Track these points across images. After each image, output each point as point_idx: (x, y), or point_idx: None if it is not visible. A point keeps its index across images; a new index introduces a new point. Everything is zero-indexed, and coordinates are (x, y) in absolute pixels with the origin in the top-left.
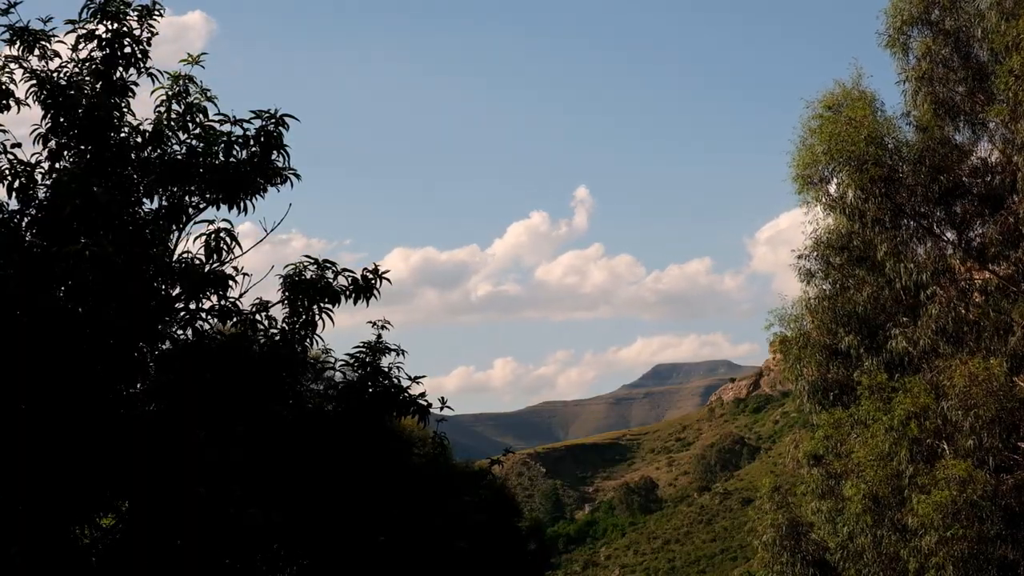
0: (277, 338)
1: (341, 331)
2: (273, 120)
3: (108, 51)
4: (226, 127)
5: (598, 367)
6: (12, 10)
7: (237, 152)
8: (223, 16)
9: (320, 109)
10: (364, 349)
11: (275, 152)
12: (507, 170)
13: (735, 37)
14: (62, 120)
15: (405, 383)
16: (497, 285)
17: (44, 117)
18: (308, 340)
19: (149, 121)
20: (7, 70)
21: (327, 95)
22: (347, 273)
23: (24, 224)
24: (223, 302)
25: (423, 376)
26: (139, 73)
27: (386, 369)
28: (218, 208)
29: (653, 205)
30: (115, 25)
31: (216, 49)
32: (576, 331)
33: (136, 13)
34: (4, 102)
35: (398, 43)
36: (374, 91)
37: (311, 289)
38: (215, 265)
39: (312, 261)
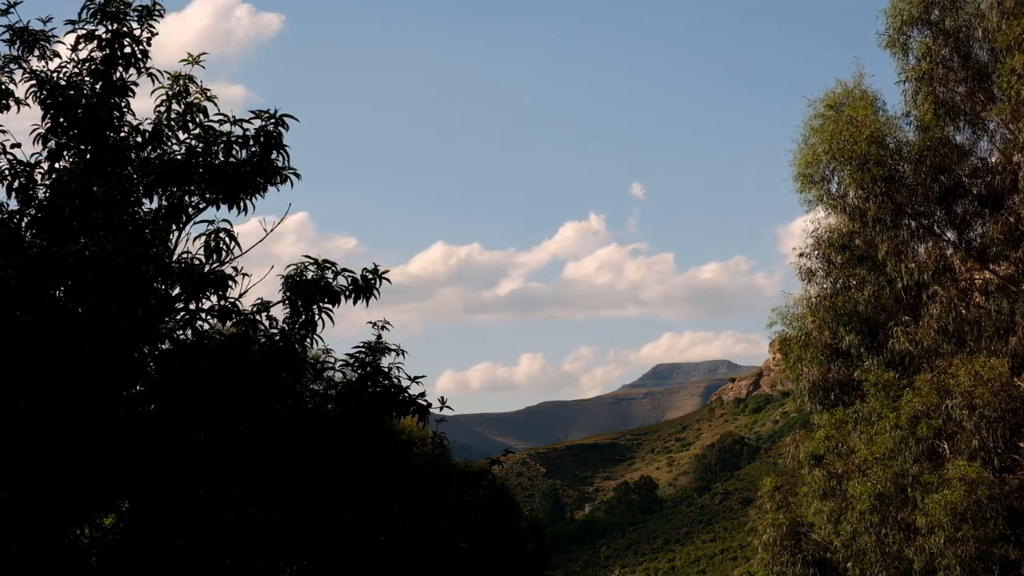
0: (277, 338)
1: (353, 330)
2: (273, 120)
3: (108, 51)
4: (226, 127)
5: (627, 365)
6: (12, 10)
7: (237, 152)
8: (293, 14)
9: (381, 107)
10: (364, 349)
11: (275, 152)
12: (565, 171)
13: (780, 42)
14: (62, 120)
15: (405, 383)
16: (531, 282)
17: (44, 117)
18: (308, 340)
19: (149, 121)
20: (7, 70)
21: (386, 93)
22: (347, 273)
23: (24, 224)
24: (223, 302)
25: (423, 376)
26: (139, 73)
27: (386, 369)
28: (218, 208)
29: (702, 202)
30: (115, 25)
31: (285, 44)
32: (606, 328)
33: (136, 13)
34: (4, 102)
35: (460, 41)
36: (438, 89)
37: (311, 289)
38: (215, 265)
39: (312, 261)
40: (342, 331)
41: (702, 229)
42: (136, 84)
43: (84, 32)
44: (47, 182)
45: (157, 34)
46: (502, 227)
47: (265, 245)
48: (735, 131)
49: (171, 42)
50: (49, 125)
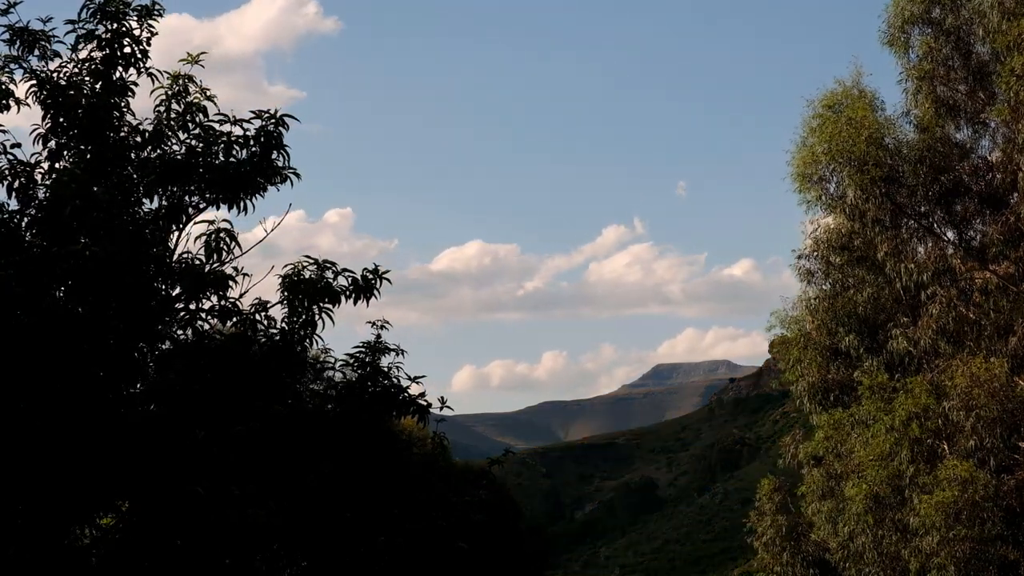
0: (277, 338)
1: (353, 329)
2: (273, 120)
3: (108, 51)
4: (226, 127)
5: (649, 363)
6: (12, 10)
7: (237, 152)
8: (349, 16)
9: (437, 106)
10: (364, 349)
11: (275, 152)
12: (610, 171)
13: (834, 37)
14: (62, 120)
15: (405, 383)
16: (561, 281)
17: (44, 117)
18: (308, 340)
19: (149, 121)
20: (7, 70)
21: (437, 94)
22: (347, 273)
23: (24, 224)
24: (223, 302)
25: (423, 376)
26: (139, 73)
27: (386, 369)
28: (218, 208)
29: (744, 199)
30: (115, 25)
31: (344, 45)
32: (632, 326)
33: (136, 13)
34: (4, 102)
35: (513, 40)
36: (493, 90)
37: (310, 289)
38: (215, 265)
39: (312, 261)
40: (342, 331)
41: (741, 226)
42: (136, 84)
43: (84, 32)
44: (47, 182)
45: (157, 34)
46: (544, 230)
47: (303, 239)
48: (784, 127)
49: (231, 36)
50: (49, 125)
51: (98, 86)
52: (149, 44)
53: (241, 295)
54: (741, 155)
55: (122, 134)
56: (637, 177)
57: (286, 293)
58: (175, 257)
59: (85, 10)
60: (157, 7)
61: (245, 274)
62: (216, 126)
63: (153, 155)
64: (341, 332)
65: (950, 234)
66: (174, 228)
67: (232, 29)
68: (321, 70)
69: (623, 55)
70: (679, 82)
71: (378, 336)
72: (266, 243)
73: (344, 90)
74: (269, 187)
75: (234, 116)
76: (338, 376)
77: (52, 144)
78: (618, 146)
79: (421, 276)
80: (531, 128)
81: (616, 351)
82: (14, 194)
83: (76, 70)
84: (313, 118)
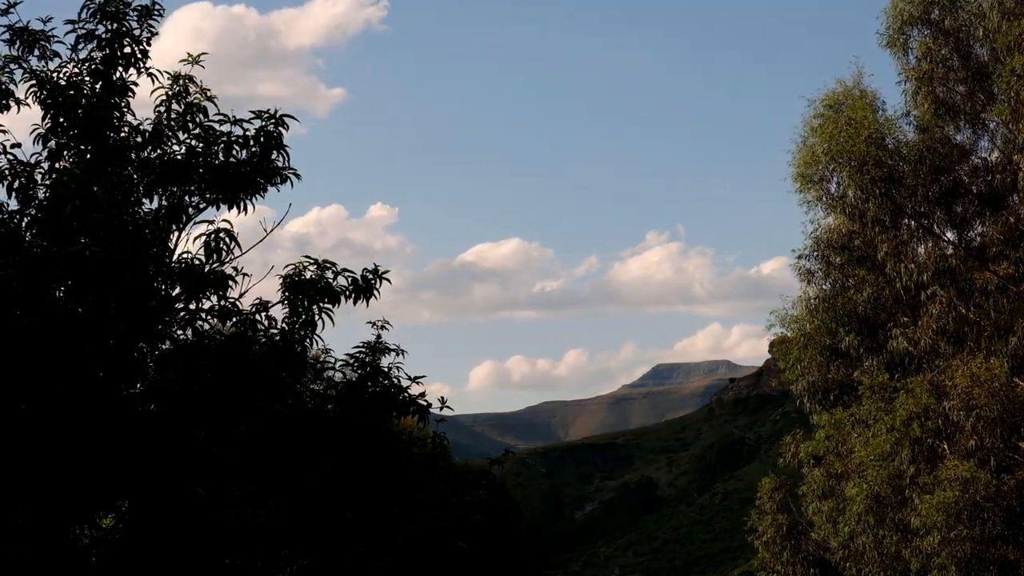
0: (277, 338)
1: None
2: (273, 120)
3: (108, 51)
4: (226, 127)
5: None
6: (12, 10)
7: (237, 152)
8: (397, 16)
9: (480, 108)
10: (364, 349)
11: (275, 152)
12: (661, 171)
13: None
14: (62, 120)
15: (405, 383)
16: (586, 280)
17: (44, 117)
18: (308, 340)
19: (149, 121)
20: (7, 70)
21: (482, 93)
22: (347, 273)
23: (24, 224)
24: (223, 302)
25: (423, 376)
26: (139, 73)
27: (386, 369)
28: (218, 208)
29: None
30: (115, 25)
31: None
32: (656, 325)
33: (136, 13)
34: (4, 102)
35: (555, 46)
36: (539, 93)
37: (311, 289)
38: (215, 265)
39: (312, 261)
40: (344, 331)
41: (776, 224)
42: (136, 84)
43: (84, 32)
44: (47, 182)
45: (157, 34)
46: (583, 234)
47: (339, 234)
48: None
49: (288, 31)
50: (49, 125)
51: (98, 86)
52: (149, 44)
53: (241, 295)
54: (777, 152)
55: (122, 134)
56: (679, 178)
57: (287, 293)
58: (175, 257)
59: (85, 10)
60: (157, 7)
61: (245, 274)
62: (216, 126)
63: (153, 155)
64: (342, 332)
65: (950, 234)
66: (174, 228)
67: (289, 24)
68: (372, 68)
69: (662, 56)
70: (713, 81)
71: (378, 336)
72: (301, 237)
73: (394, 89)
74: (269, 187)
75: (234, 116)
76: (338, 376)
77: (52, 144)
78: (657, 151)
79: (445, 271)
80: (580, 128)
81: (637, 349)
82: (14, 194)
83: (76, 70)
84: (361, 115)
